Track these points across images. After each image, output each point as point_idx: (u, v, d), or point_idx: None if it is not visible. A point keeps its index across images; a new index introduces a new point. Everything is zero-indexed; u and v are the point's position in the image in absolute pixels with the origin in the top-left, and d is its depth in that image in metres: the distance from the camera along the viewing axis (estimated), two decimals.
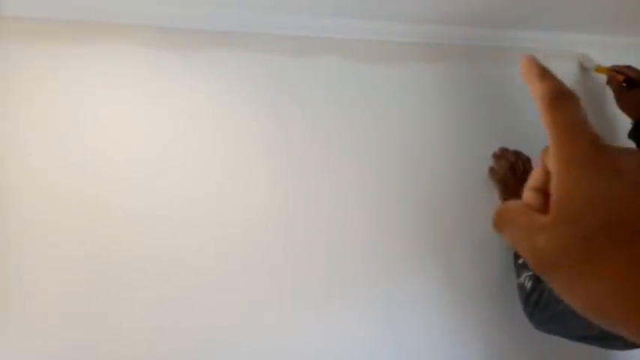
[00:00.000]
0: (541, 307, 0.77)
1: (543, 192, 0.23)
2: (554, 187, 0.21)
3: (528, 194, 0.24)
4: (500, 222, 0.24)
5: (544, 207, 0.22)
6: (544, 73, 0.23)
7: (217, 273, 0.84)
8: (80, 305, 0.75)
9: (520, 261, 0.90)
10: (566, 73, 1.17)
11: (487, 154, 1.07)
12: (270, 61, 0.94)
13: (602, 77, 1.17)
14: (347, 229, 0.94)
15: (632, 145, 1.09)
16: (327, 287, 0.91)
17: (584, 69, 1.19)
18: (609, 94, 1.16)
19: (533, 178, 0.24)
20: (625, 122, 1.12)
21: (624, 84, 1.10)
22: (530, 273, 0.84)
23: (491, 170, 1.05)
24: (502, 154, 1.05)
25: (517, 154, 1.04)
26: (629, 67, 1.10)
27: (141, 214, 0.80)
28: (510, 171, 1.02)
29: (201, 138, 0.87)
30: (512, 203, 0.24)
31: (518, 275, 0.87)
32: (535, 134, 1.11)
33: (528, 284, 0.82)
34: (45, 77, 0.79)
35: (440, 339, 0.95)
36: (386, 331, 0.92)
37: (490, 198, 1.05)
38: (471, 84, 1.10)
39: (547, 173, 0.23)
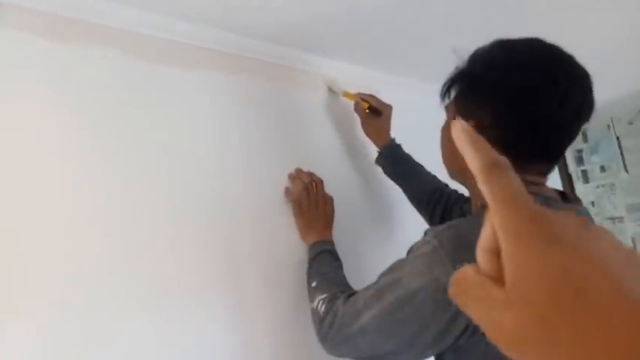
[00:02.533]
0: (334, 330, 0.75)
1: (496, 252, 0.23)
2: (505, 261, 0.22)
3: (481, 256, 0.24)
4: (457, 293, 0.24)
5: (498, 271, 0.22)
6: (476, 143, 0.24)
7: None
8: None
9: (313, 284, 0.88)
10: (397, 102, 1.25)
11: (284, 175, 1.04)
12: (25, 41, 0.71)
13: (350, 102, 1.20)
14: (127, 247, 0.76)
15: (379, 170, 1.21)
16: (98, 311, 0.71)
17: (332, 92, 1.23)
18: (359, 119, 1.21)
19: (484, 238, 0.24)
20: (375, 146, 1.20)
21: (368, 111, 1.15)
22: (324, 296, 0.82)
23: (287, 190, 1.03)
24: (297, 175, 1.04)
25: (311, 176, 1.05)
26: (372, 96, 1.17)
27: None
28: (305, 192, 1.02)
29: None
30: (469, 273, 0.24)
31: (312, 299, 0.85)
32: (327, 158, 1.16)
33: (322, 308, 0.80)
34: None
35: None
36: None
37: (287, 218, 1.02)
38: (271, 102, 1.07)
39: (495, 233, 0.23)
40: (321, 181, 1.06)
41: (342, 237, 1.04)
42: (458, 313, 0.61)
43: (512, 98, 0.67)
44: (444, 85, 0.76)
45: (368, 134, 1.20)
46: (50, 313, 0.67)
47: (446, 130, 0.80)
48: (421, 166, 1.15)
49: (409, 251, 0.70)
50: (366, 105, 1.16)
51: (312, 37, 1.06)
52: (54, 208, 0.70)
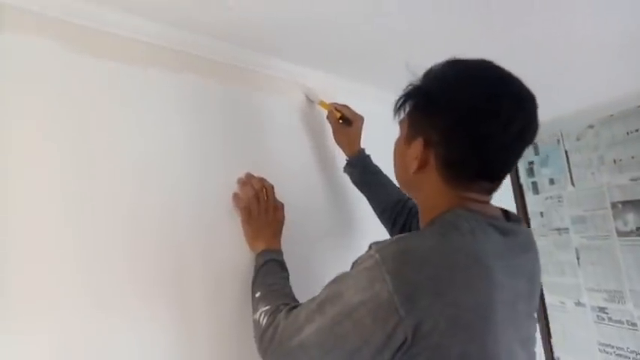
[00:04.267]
0: (275, 344, 0.74)
1: None
2: None
3: None
4: None
5: None
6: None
7: None
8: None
9: (257, 295, 0.85)
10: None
11: (232, 180, 1.01)
12: None
13: (325, 111, 1.24)
14: (60, 260, 0.72)
15: (341, 180, 1.23)
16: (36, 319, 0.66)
17: (309, 101, 1.26)
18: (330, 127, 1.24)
19: None
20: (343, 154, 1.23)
21: (341, 121, 1.20)
22: (267, 308, 0.80)
23: (236, 197, 1.00)
24: (247, 181, 1.01)
25: (262, 181, 1.02)
26: (346, 106, 1.22)
27: None
28: (255, 198, 0.99)
29: None
30: None
31: (255, 311, 0.82)
32: (279, 163, 1.14)
33: (264, 320, 0.78)
34: None
35: None
36: None
37: (233, 226, 0.99)
38: (220, 103, 1.03)
39: None
40: (272, 188, 1.03)
41: (293, 247, 1.02)
42: (395, 329, 0.60)
43: (459, 117, 0.67)
44: (398, 100, 0.76)
45: (339, 143, 1.23)
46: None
47: (399, 144, 0.80)
48: (387, 178, 1.17)
49: (353, 264, 0.69)
50: (339, 114, 1.20)
51: (270, 38, 1.04)
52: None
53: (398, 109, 0.76)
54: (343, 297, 0.65)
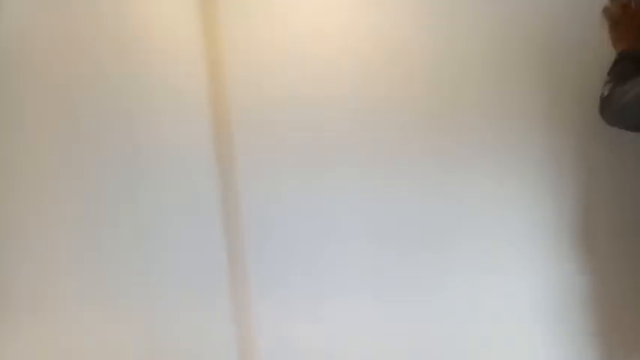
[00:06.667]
0: (609, 104, 1.13)
1: None
2: None
3: None
4: None
5: None
6: None
7: None
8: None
9: (606, 79, 1.19)
10: None
11: None
12: None
13: None
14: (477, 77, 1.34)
15: None
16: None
17: None
18: None
19: None
20: None
21: None
22: (609, 85, 1.15)
23: (605, 9, 1.28)
24: None
25: None
26: None
27: None
28: (622, 9, 1.25)
29: None
30: None
31: (602, 87, 1.19)
32: None
33: (606, 92, 1.16)
34: None
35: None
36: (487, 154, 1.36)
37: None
38: None
39: None
40: None
41: None
42: None
43: None
44: None
45: None
46: None
47: None
48: None
49: None
50: None
51: None
52: None
53: None
54: None
